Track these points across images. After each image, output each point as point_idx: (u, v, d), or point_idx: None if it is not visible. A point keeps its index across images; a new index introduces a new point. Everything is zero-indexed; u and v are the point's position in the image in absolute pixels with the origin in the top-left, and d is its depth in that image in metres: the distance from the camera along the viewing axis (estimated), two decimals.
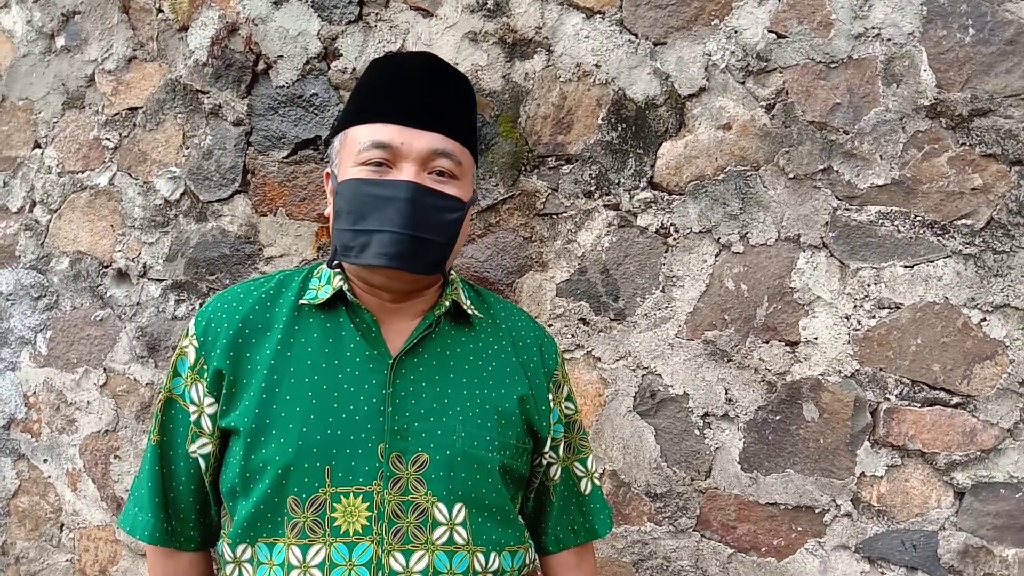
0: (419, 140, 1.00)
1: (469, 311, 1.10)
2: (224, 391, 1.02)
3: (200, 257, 1.91)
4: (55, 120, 2.08)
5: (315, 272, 1.11)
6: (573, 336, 1.66)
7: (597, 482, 1.21)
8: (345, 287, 1.04)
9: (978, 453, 1.43)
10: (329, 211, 1.08)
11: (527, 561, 1.10)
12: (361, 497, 0.96)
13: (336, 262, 1.06)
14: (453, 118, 1.05)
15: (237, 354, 1.02)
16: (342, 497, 0.96)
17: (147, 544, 1.08)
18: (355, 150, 1.02)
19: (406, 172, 1.00)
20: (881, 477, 1.49)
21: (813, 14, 1.48)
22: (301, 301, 1.06)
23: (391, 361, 1.02)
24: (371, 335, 1.04)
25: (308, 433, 0.97)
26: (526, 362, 1.12)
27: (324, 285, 1.07)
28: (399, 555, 0.95)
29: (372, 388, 1.00)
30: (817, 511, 1.52)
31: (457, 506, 0.99)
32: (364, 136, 1.02)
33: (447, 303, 1.08)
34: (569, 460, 1.18)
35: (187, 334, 1.07)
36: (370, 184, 1.00)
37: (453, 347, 1.07)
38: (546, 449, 1.13)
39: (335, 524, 0.95)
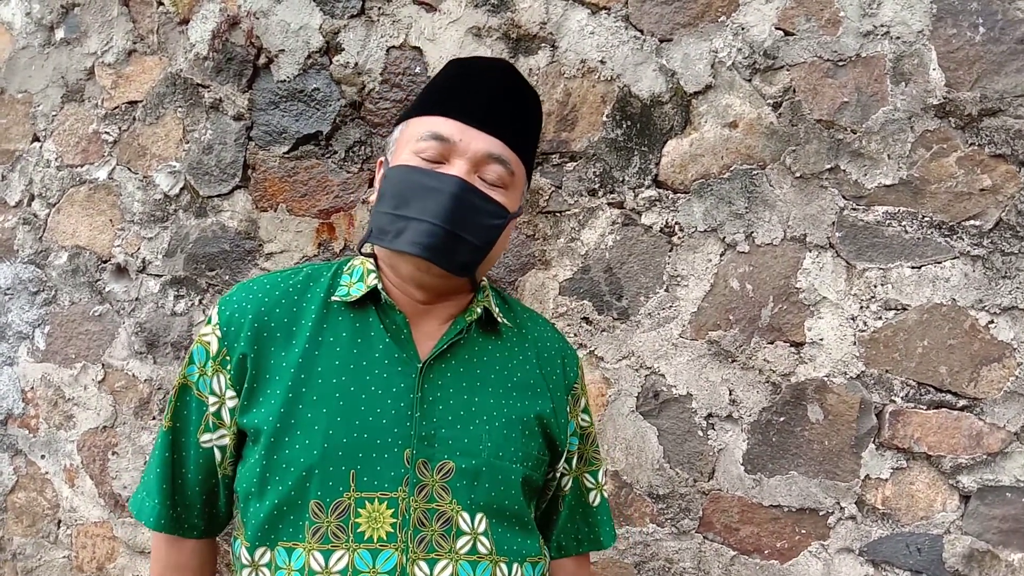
0: (477, 141, 0.99)
1: (499, 319, 1.08)
2: (246, 385, 1.00)
3: (200, 253, 1.89)
4: (54, 113, 2.06)
5: (346, 268, 1.08)
6: (576, 335, 1.64)
7: (605, 494, 1.20)
8: (379, 286, 1.02)
9: (984, 456, 1.41)
10: (372, 198, 1.07)
11: (545, 571, 1.09)
12: (386, 503, 0.94)
13: (367, 249, 1.04)
14: (516, 128, 1.03)
15: (261, 348, 1.00)
16: (367, 503, 0.94)
17: (151, 530, 1.06)
18: (413, 139, 1.01)
19: (457, 168, 0.98)
20: (886, 480, 1.47)
21: (821, 11, 1.47)
22: (332, 298, 1.03)
23: (420, 365, 1.00)
24: (401, 337, 1.01)
25: (334, 435, 0.94)
26: (548, 374, 1.10)
27: (356, 282, 1.04)
28: (423, 564, 0.93)
29: (400, 391, 0.98)
30: (821, 514, 1.51)
31: (479, 516, 0.97)
32: (424, 127, 1.01)
33: (479, 310, 1.05)
34: (580, 471, 1.17)
35: (209, 322, 1.04)
36: (419, 173, 0.98)
37: (481, 355, 1.05)
38: (560, 462, 1.12)
39: (359, 530, 0.93)
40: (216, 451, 1.04)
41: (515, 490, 1.00)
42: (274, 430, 0.96)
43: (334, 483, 0.94)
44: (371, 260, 1.06)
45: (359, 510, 0.93)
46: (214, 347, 1.02)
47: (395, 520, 0.94)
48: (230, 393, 1.01)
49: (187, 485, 1.06)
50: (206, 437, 1.03)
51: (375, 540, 0.93)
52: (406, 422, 0.96)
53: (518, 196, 1.06)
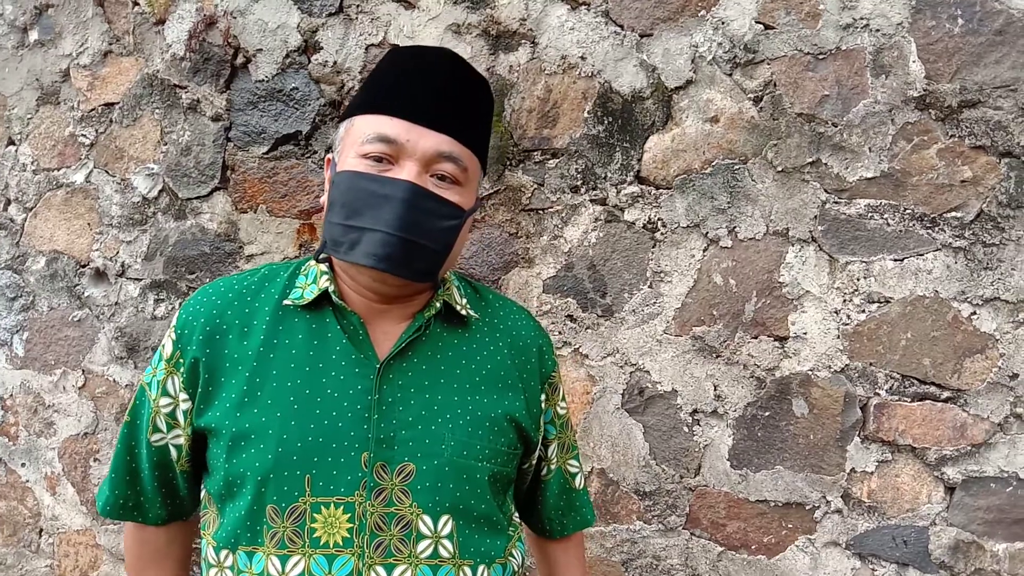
0: (426, 139, 0.96)
1: (463, 312, 1.07)
2: (200, 389, 1.00)
3: (179, 255, 1.87)
4: (29, 116, 2.03)
5: (302, 269, 1.07)
6: (560, 333, 1.63)
7: (584, 474, 1.22)
8: (331, 288, 1.01)
9: (968, 448, 1.42)
10: (324, 199, 1.04)
11: (516, 568, 1.08)
12: (342, 508, 0.94)
13: (324, 256, 1.02)
14: (465, 121, 1.01)
15: (213, 350, 1.00)
16: (322, 507, 0.93)
17: (99, 515, 1.09)
18: (358, 140, 0.98)
19: (407, 171, 0.95)
20: (871, 473, 1.47)
21: (801, 4, 1.46)
22: (285, 301, 1.02)
23: (378, 366, 0.99)
24: (358, 338, 1.00)
25: (288, 440, 0.94)
26: (522, 365, 1.09)
27: (310, 284, 1.02)
28: (380, 569, 0.93)
29: (357, 394, 0.97)
30: (807, 508, 1.51)
31: (444, 518, 0.96)
32: (369, 127, 0.97)
33: (438, 304, 1.04)
34: (563, 459, 1.17)
35: (170, 326, 1.06)
36: (368, 179, 0.96)
37: (445, 350, 1.04)
38: (536, 451, 1.12)
39: (315, 535, 0.93)
40: (171, 448, 1.04)
41: (481, 488, 0.99)
42: (230, 434, 0.96)
43: (289, 488, 0.93)
44: (325, 262, 1.05)
45: (315, 515, 0.93)
46: (168, 350, 1.03)
47: (351, 525, 0.93)
48: (183, 396, 1.02)
49: (144, 479, 1.07)
50: (156, 436, 1.04)
51: (331, 545, 0.93)
52: (363, 425, 0.95)
53: (473, 191, 1.04)
